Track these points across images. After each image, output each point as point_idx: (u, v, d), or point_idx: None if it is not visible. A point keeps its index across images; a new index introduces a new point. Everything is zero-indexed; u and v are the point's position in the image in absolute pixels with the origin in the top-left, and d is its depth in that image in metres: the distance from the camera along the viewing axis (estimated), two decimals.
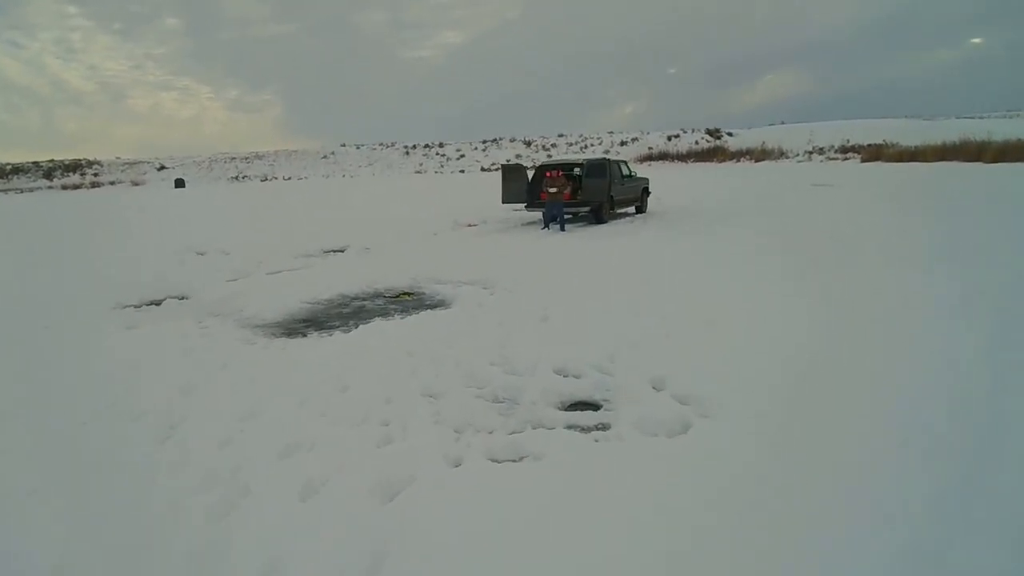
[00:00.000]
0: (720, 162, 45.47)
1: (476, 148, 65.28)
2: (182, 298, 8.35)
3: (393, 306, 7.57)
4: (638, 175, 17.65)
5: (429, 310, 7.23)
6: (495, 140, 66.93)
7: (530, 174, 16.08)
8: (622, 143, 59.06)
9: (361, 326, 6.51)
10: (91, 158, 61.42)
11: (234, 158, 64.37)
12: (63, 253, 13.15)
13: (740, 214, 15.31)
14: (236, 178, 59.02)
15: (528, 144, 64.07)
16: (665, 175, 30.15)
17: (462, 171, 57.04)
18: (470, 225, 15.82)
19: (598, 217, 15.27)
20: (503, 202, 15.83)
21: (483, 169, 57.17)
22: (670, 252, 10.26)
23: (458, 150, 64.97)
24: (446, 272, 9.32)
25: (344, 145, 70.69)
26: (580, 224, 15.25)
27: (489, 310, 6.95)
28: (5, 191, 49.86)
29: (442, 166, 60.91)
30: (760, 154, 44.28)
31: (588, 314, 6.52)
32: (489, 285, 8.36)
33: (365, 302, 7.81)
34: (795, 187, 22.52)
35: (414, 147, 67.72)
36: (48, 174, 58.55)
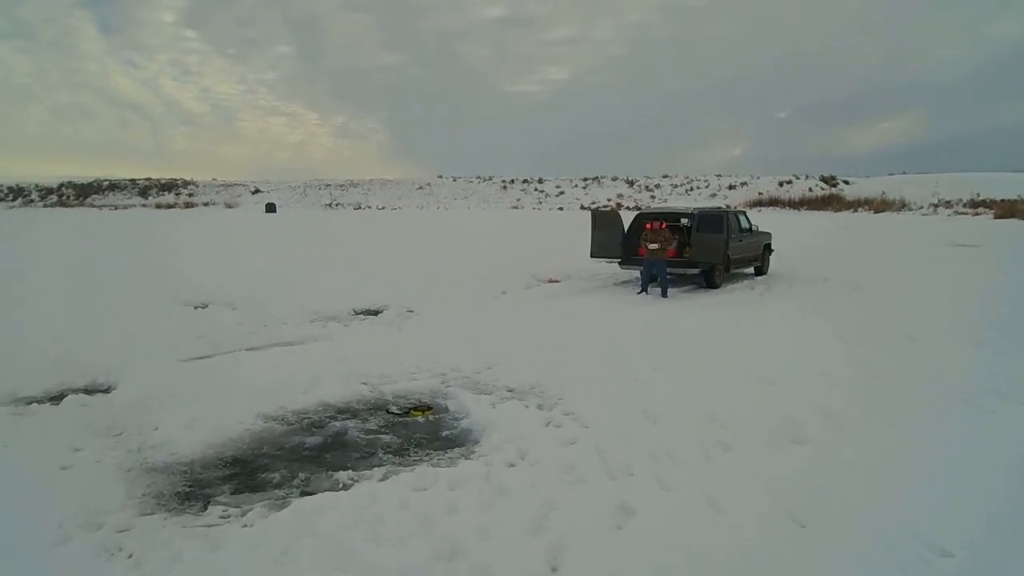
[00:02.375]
0: (836, 211, 42.15)
1: (576, 185, 63.07)
2: (94, 391, 6.11)
3: (387, 436, 4.95)
4: (758, 229, 14.35)
5: (438, 454, 4.58)
6: (596, 178, 64.49)
7: (627, 222, 13.20)
8: (731, 187, 55.11)
9: (303, 500, 3.88)
10: (188, 178, 64.41)
11: (329, 185, 65.55)
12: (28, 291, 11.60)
13: (887, 279, 12.58)
14: (329, 205, 59.76)
15: (631, 183, 61.14)
16: (779, 224, 26.37)
17: (560, 208, 54.84)
18: (551, 281, 13.15)
19: (710, 281, 12.20)
20: (592, 255, 13.05)
21: (583, 207, 54.71)
22: (818, 338, 7.13)
23: (558, 187, 62.99)
24: (493, 365, 6.69)
25: (441, 177, 70.57)
26: (686, 287, 12.20)
27: (532, 472, 4.19)
28: (100, 207, 52.81)
29: (540, 202, 59.01)
30: (880, 205, 41.29)
31: (716, 505, 3.61)
32: (548, 400, 5.64)
33: (352, 422, 5.24)
34: (934, 245, 19.46)
35: (512, 182, 66.42)
36: (144, 192, 61.74)
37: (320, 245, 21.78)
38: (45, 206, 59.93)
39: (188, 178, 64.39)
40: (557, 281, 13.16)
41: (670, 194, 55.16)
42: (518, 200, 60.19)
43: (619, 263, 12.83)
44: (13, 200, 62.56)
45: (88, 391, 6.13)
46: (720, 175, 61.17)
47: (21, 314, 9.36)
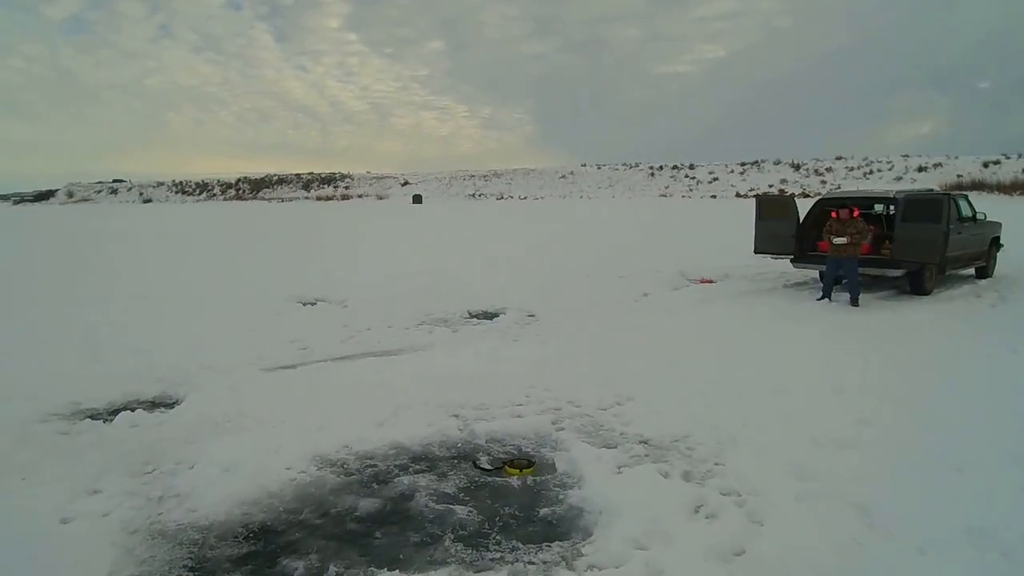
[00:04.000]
0: None
1: (732, 171, 58.61)
2: (158, 406, 5.31)
3: (464, 509, 3.57)
4: (985, 217, 11.25)
5: (528, 552, 3.16)
6: (756, 162, 59.48)
7: (803, 210, 10.87)
8: (920, 168, 48.15)
9: None
10: (346, 172, 67.84)
11: (473, 175, 66.22)
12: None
13: None
14: (472, 196, 60.32)
15: (797, 167, 55.61)
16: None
17: (713, 196, 51.15)
18: (704, 281, 11.20)
19: (917, 286, 9.63)
20: (756, 250, 10.89)
21: (739, 195, 50.63)
22: None
23: (711, 172, 58.95)
24: (624, 399, 5.14)
25: (584, 165, 68.83)
26: (882, 293, 9.74)
27: None
28: (268, 199, 57.20)
29: (690, 190, 55.51)
30: None
31: None
32: (699, 464, 4.04)
33: (425, 479, 3.93)
34: None
35: (660, 168, 63.21)
36: (307, 186, 65.96)
37: (451, 237, 21.12)
38: (224, 199, 66.01)
39: (346, 172, 67.98)
40: (711, 281, 11.18)
41: (844, 178, 49.40)
42: (666, 188, 57.03)
43: (791, 260, 10.56)
44: (199, 194, 69.59)
45: (154, 404, 5.39)
46: (907, 155, 53.99)
47: (126, 311, 9.14)
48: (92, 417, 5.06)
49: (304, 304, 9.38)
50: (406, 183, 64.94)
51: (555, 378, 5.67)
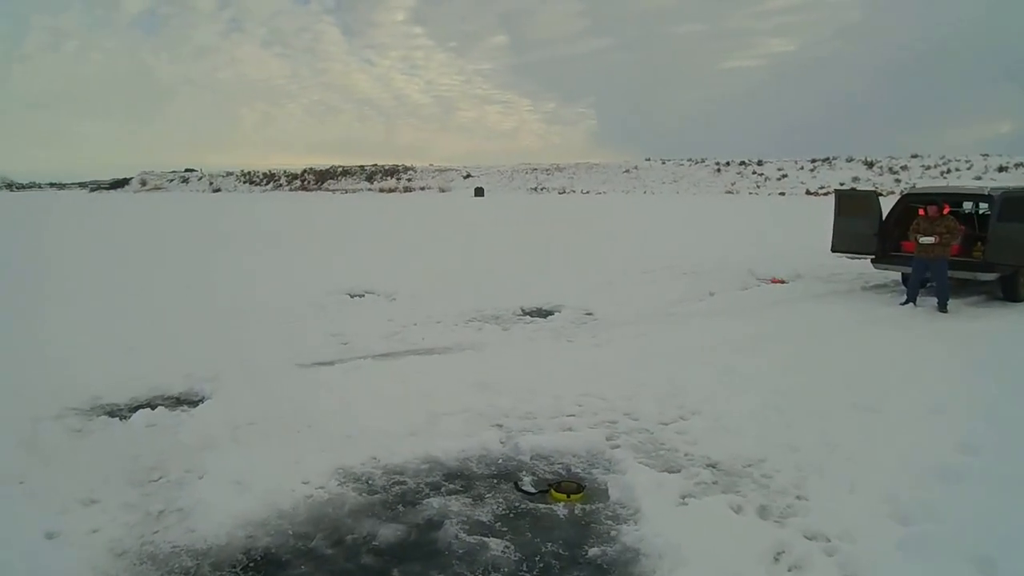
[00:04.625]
0: None
1: (802, 167, 56.09)
2: (183, 402, 4.99)
3: (499, 543, 3.03)
4: None
5: None
6: (827, 159, 56.70)
7: (886, 207, 9.87)
8: (1001, 168, 44.88)
9: None
10: (409, 164, 68.41)
11: (535, 169, 65.63)
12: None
13: None
14: (534, 190, 59.78)
15: (870, 165, 52.73)
16: None
17: (782, 194, 49.08)
18: (775, 281, 10.33)
19: (1011, 291, 8.63)
20: (833, 249, 9.95)
21: (809, 193, 48.38)
22: None
23: (779, 169, 56.59)
24: (689, 413, 4.53)
25: (649, 160, 67.25)
26: (971, 299, 8.72)
27: None
28: (333, 191, 58.24)
29: (758, 187, 53.44)
30: None
31: None
32: (777, 495, 3.44)
33: (458, 503, 3.42)
34: None
35: (727, 164, 61.12)
36: (370, 177, 66.78)
37: (510, 230, 20.64)
38: (290, 190, 67.60)
39: (409, 164, 68.60)
40: (783, 281, 10.30)
41: (920, 177, 46.50)
42: (732, 184, 55.07)
43: (872, 261, 9.58)
44: (266, 184, 71.51)
45: (178, 401, 5.07)
46: (987, 155, 50.56)
47: (170, 300, 9.02)
48: (111, 414, 4.76)
49: (352, 296, 9.04)
50: (468, 176, 64.93)
51: (611, 385, 5.07)
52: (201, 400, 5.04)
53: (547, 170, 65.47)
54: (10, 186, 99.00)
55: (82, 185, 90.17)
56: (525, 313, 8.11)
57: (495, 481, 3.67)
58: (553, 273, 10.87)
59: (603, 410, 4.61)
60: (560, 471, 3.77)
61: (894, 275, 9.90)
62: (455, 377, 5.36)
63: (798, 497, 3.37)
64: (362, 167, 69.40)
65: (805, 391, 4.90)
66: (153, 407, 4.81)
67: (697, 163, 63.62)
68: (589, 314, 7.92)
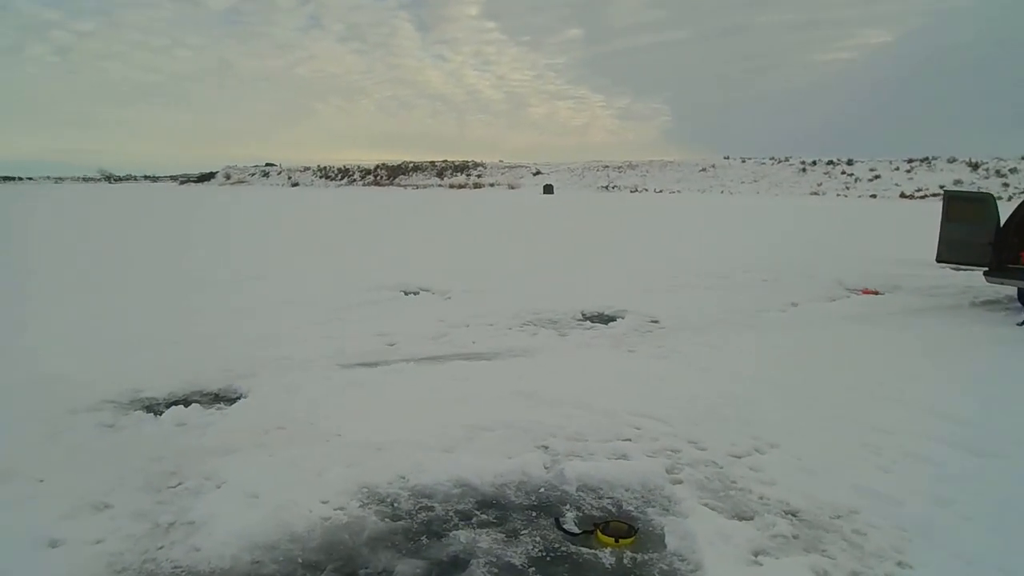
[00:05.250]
0: None
1: (897, 168, 52.88)
2: (219, 400, 4.77)
3: None
4: None
5: None
6: (925, 160, 53.17)
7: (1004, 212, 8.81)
8: None
9: None
10: (478, 160, 68.56)
11: (606, 167, 64.58)
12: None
13: None
14: (605, 187, 58.86)
15: (975, 167, 49.04)
16: None
17: (873, 196, 46.41)
18: (866, 292, 9.45)
19: None
20: (939, 259, 8.99)
21: (904, 196, 45.53)
22: None
23: (872, 169, 53.54)
24: (765, 446, 3.98)
25: (727, 158, 65.00)
26: None
27: None
28: (404, 186, 59.05)
29: (847, 188, 50.74)
30: None
31: None
32: (873, 560, 2.78)
33: (488, 538, 3.02)
34: None
35: (813, 163, 58.35)
36: (440, 173, 67.35)
37: (578, 228, 20.11)
38: (363, 184, 69.07)
39: (478, 160, 68.82)
40: (876, 293, 9.40)
41: None
42: (819, 185, 52.46)
43: (984, 273, 8.57)
44: (340, 179, 73.34)
45: (216, 397, 4.90)
46: None
47: (226, 293, 9.01)
48: (147, 408, 4.62)
49: (406, 293, 8.80)
50: (538, 173, 64.56)
51: (675, 405, 4.56)
52: (237, 398, 4.85)
53: (619, 168, 64.28)
54: (108, 178, 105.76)
55: (173, 178, 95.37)
56: (585, 318, 7.63)
57: (533, 514, 3.25)
58: (620, 276, 10.33)
59: (664, 435, 4.11)
60: (609, 507, 3.31)
61: (1007, 291, 8.86)
62: (501, 386, 4.96)
63: (899, 564, 2.79)
64: (432, 163, 70.19)
65: (909, 428, 4.24)
66: (188, 404, 4.66)
67: (780, 162, 61.06)
68: (655, 321, 7.37)
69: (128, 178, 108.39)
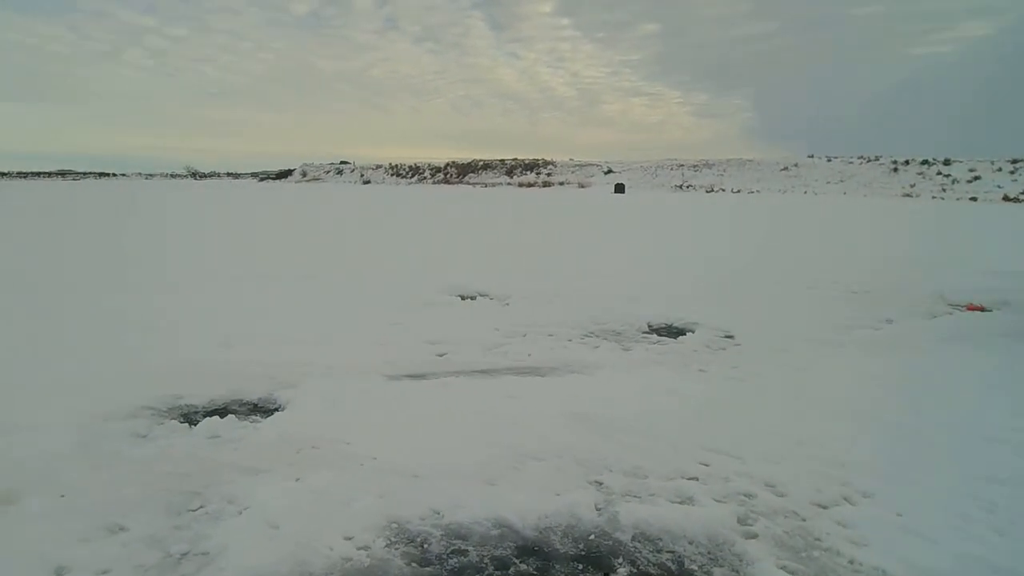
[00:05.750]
0: None
1: (1000, 168, 49.28)
2: (258, 410, 4.57)
3: None
4: None
5: None
6: None
7: None
8: None
9: None
10: (548, 158, 68.09)
11: (681, 165, 62.99)
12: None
13: None
14: (680, 186, 57.40)
15: None
16: None
17: (973, 199, 43.36)
18: (972, 308, 8.55)
19: None
20: None
21: (1007, 199, 42.34)
22: None
23: (971, 170, 50.14)
24: (857, 496, 3.48)
25: (812, 156, 62.23)
26: None
27: None
28: (473, 184, 59.33)
29: (943, 190, 47.63)
30: None
31: None
32: None
33: None
34: None
35: (905, 163, 55.16)
36: (509, 171, 67.31)
37: (649, 230, 19.43)
38: (433, 183, 69.92)
39: (548, 158, 68.39)
40: (983, 309, 8.48)
41: None
42: (911, 186, 49.45)
43: None
44: (411, 177, 74.51)
45: (255, 407, 4.73)
46: None
47: (280, 293, 8.96)
48: (184, 415, 4.49)
49: (463, 298, 8.53)
50: (609, 171, 63.62)
51: (751, 439, 4.06)
52: (276, 409, 4.66)
53: (694, 166, 62.57)
54: (194, 175, 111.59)
55: (254, 175, 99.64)
56: (652, 330, 7.15)
57: (580, 567, 2.86)
58: (691, 282, 9.75)
59: (737, 475, 3.63)
60: (668, 564, 2.88)
61: None
62: (555, 407, 4.58)
63: None
64: (502, 161, 70.29)
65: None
66: (224, 414, 4.49)
67: (869, 161, 58.03)
68: (730, 336, 6.81)
69: (212, 175, 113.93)
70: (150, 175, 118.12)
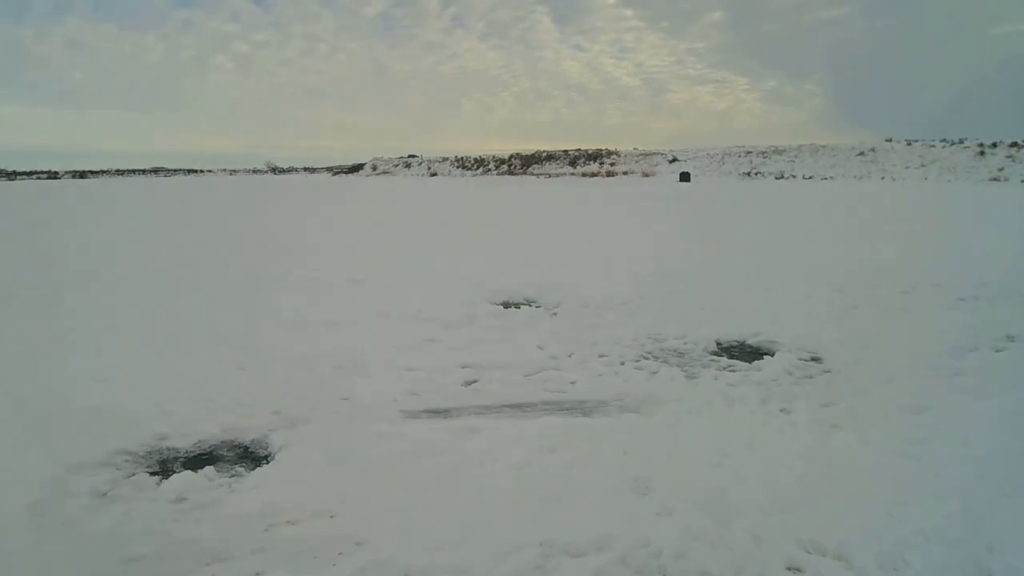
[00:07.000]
0: None
1: None
2: (244, 459, 3.74)
3: None
4: None
5: None
6: None
7: None
8: None
9: None
10: (612, 148, 65.96)
11: (749, 152, 59.85)
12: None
13: None
14: (747, 174, 54.59)
15: None
16: None
17: None
18: None
19: None
20: None
21: None
22: None
23: None
24: None
25: (890, 140, 57.99)
26: None
27: None
28: (536, 175, 58.21)
29: None
30: None
31: None
32: None
33: None
34: None
35: (993, 146, 50.59)
36: (573, 162, 65.61)
37: (716, 222, 17.93)
38: (497, 174, 69.10)
39: (612, 148, 66.31)
40: None
41: None
42: (1000, 171, 45.19)
43: None
44: (476, 169, 73.94)
45: (244, 453, 3.97)
46: None
47: (299, 308, 8.21)
48: (161, 464, 3.76)
49: (507, 307, 7.56)
50: (674, 160, 61.13)
51: (862, 526, 2.95)
52: (266, 458, 3.85)
53: (763, 153, 59.32)
54: (274, 170, 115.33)
55: (328, 169, 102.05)
56: (722, 349, 5.99)
57: None
58: (767, 287, 8.46)
59: (839, 561, 2.55)
60: None
61: None
62: (602, 466, 3.58)
63: None
64: (566, 151, 68.60)
65: None
66: (206, 463, 3.72)
67: (953, 144, 53.58)
68: (817, 359, 5.59)
69: (290, 169, 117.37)
70: (234, 171, 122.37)
